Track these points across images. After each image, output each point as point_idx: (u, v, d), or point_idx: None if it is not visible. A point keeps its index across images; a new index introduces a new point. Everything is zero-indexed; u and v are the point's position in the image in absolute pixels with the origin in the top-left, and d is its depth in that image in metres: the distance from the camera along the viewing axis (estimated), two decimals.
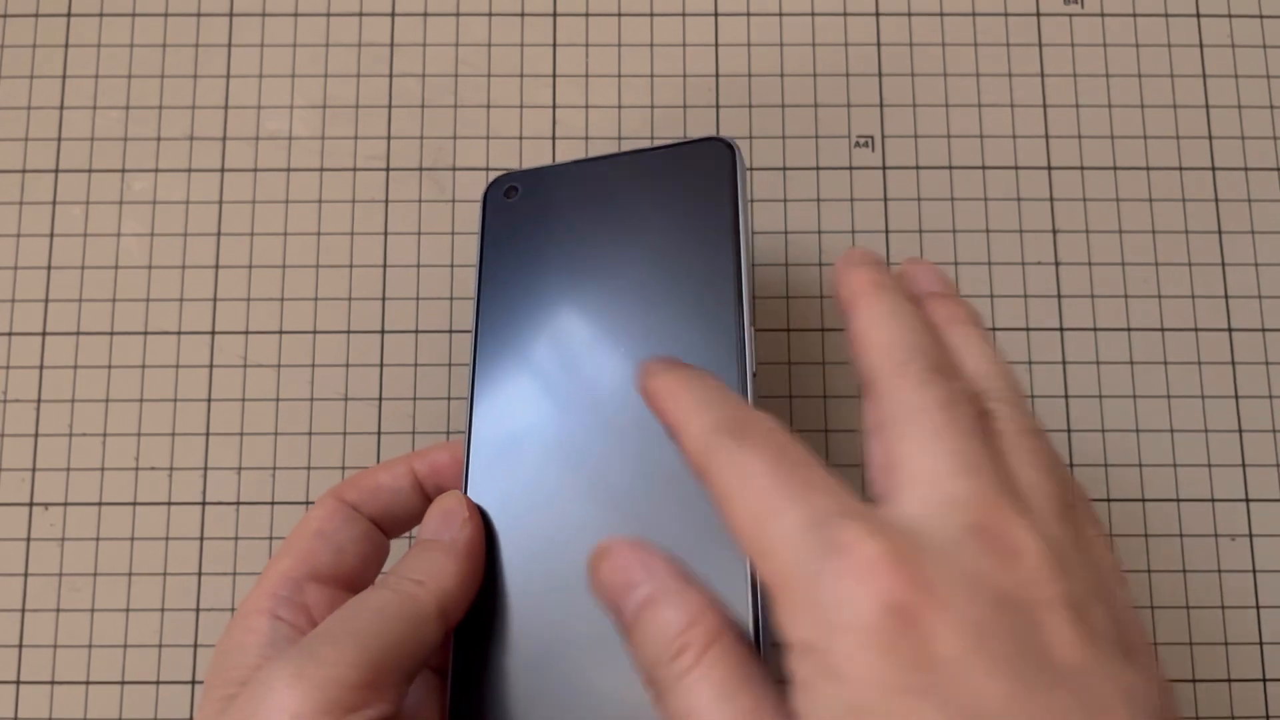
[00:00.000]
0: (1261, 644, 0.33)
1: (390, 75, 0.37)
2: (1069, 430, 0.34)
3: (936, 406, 0.20)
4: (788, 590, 0.18)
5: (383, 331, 0.35)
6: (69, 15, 0.37)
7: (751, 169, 0.36)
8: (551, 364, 0.27)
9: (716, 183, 0.27)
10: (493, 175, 0.36)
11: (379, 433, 0.34)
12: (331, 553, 0.25)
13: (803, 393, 0.35)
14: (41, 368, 0.35)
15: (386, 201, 0.36)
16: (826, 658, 0.17)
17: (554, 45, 0.37)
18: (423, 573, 0.24)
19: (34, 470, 0.34)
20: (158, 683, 0.33)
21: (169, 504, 0.34)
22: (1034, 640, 0.17)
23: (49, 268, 0.35)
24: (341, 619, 0.22)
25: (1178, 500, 0.34)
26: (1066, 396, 0.35)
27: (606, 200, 0.28)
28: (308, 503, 0.34)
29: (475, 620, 0.25)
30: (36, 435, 0.34)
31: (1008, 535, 0.18)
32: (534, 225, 0.28)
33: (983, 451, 0.20)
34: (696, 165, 0.28)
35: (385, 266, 0.35)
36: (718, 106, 0.37)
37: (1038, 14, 0.37)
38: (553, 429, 0.26)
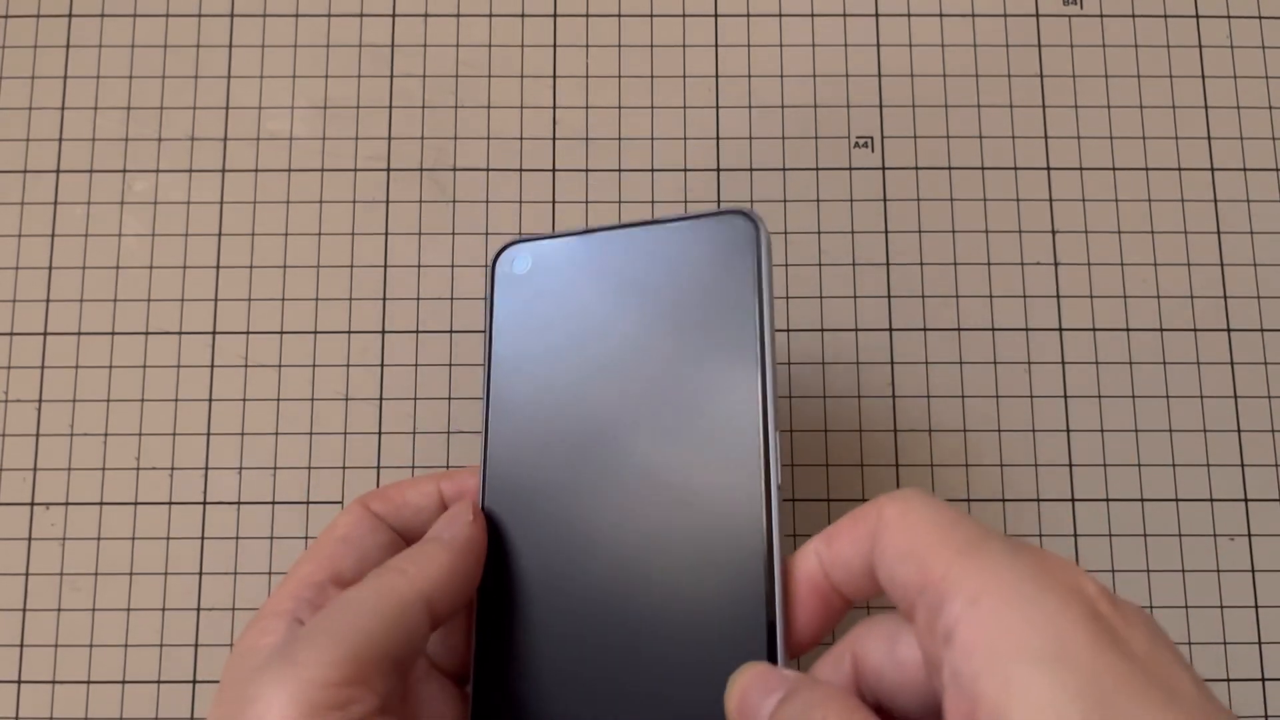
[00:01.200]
0: (1260, 644, 0.33)
1: (391, 76, 0.37)
2: (1068, 430, 0.35)
3: None
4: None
5: (383, 331, 0.35)
6: (70, 16, 0.37)
7: (752, 169, 0.36)
8: (566, 423, 0.26)
9: (739, 262, 0.25)
10: (493, 177, 0.36)
11: (379, 433, 0.34)
12: (355, 559, 0.25)
13: (802, 393, 0.35)
14: (43, 368, 0.35)
15: (387, 202, 0.36)
16: (1029, 609, 0.18)
17: (554, 46, 0.37)
18: (409, 562, 0.24)
19: (35, 470, 0.34)
20: (158, 682, 0.33)
21: (170, 504, 0.34)
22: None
23: (50, 268, 0.35)
24: (320, 619, 0.22)
25: (1176, 500, 0.34)
26: (1065, 397, 0.35)
27: (621, 278, 0.27)
28: (308, 503, 0.34)
29: (497, 630, 0.25)
30: (38, 435, 0.34)
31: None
32: (545, 302, 0.27)
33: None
34: (717, 241, 0.26)
35: (386, 267, 0.36)
36: (717, 107, 0.37)
37: (1037, 15, 0.37)
38: (567, 464, 0.26)
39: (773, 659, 0.23)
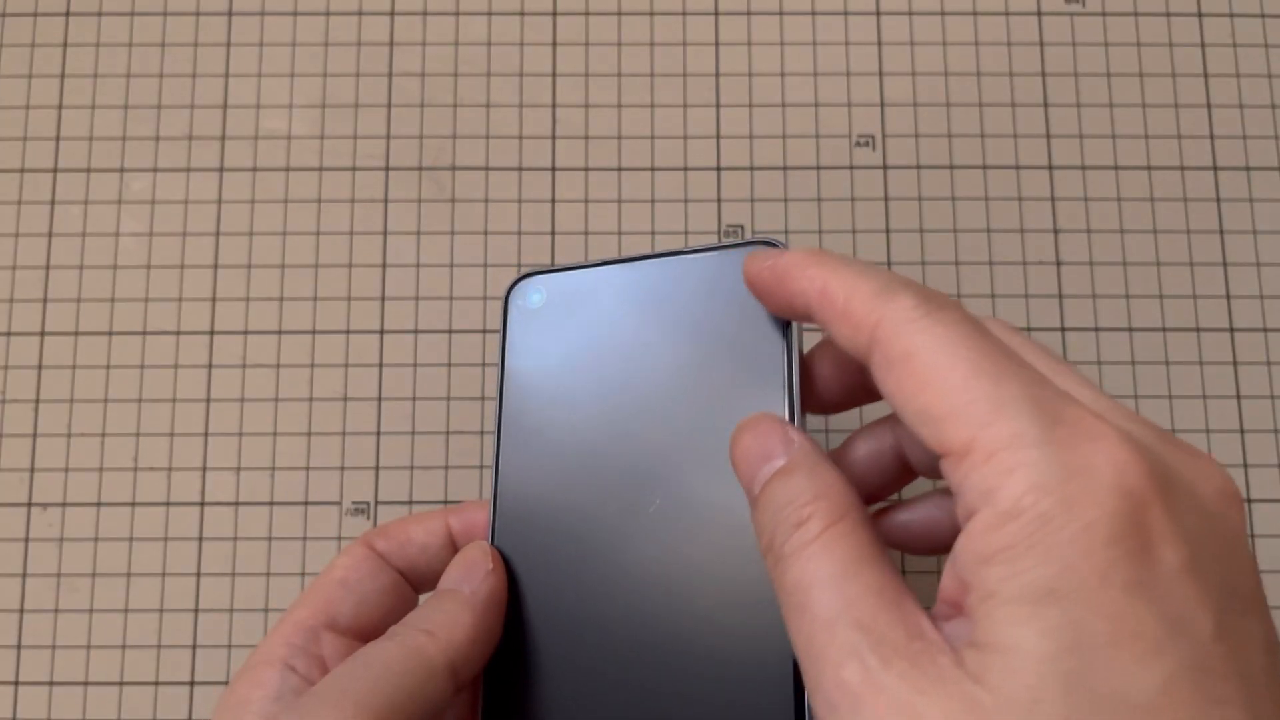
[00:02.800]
0: None
1: (389, 74, 0.37)
2: None
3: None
4: (999, 453, 0.17)
5: (382, 331, 0.35)
6: (67, 14, 0.37)
7: (752, 168, 0.36)
8: (580, 459, 0.25)
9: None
10: (492, 176, 0.36)
11: (378, 433, 0.34)
12: (353, 603, 0.24)
13: None
14: (40, 368, 0.35)
15: (386, 201, 0.36)
16: (1042, 528, 0.16)
17: (554, 44, 0.37)
18: (434, 623, 0.23)
19: (32, 470, 0.34)
20: (156, 684, 0.33)
21: (167, 504, 0.34)
22: (1233, 563, 0.17)
23: (47, 267, 0.35)
24: (341, 675, 0.21)
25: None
26: None
27: (640, 312, 0.26)
28: (306, 503, 0.34)
29: (504, 673, 0.24)
30: (35, 435, 0.34)
31: (1196, 449, 0.18)
32: (561, 336, 0.26)
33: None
34: (739, 273, 0.24)
35: (384, 266, 0.35)
36: (718, 106, 0.36)
37: (1039, 13, 0.37)
38: (582, 503, 0.25)
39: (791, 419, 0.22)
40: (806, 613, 0.18)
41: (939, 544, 0.24)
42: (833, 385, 0.24)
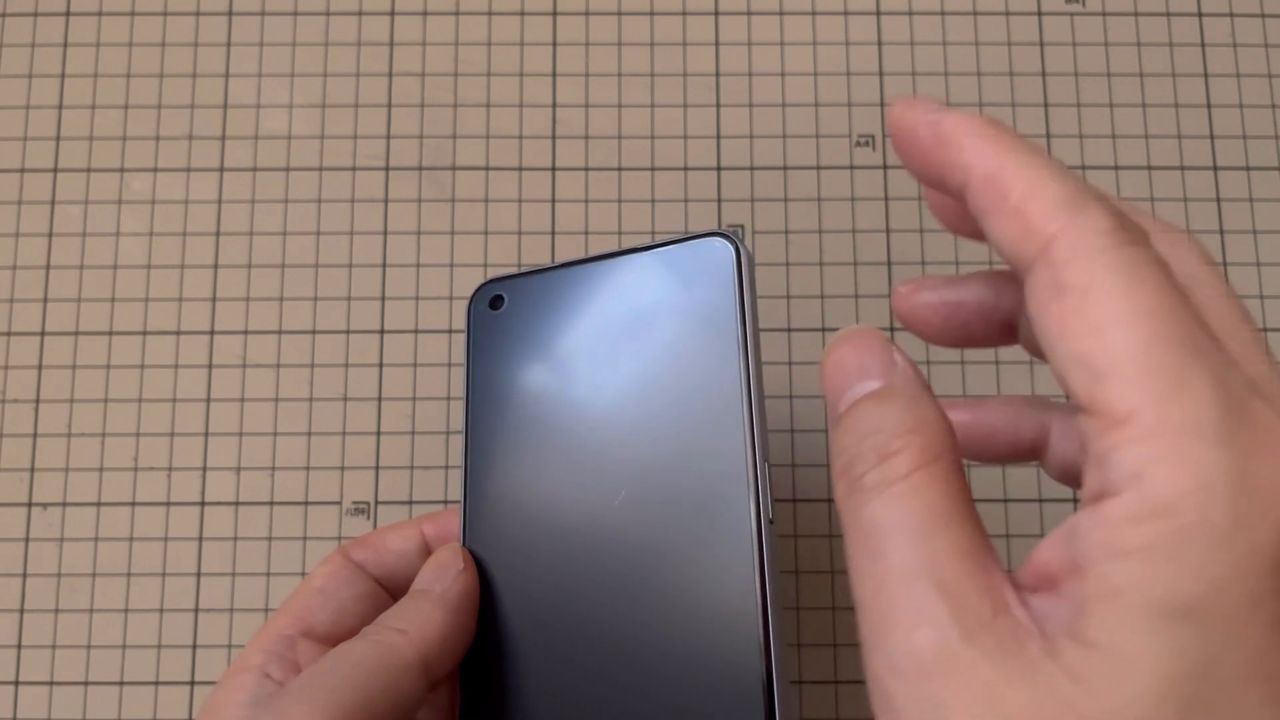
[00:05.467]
0: None
1: (390, 74, 0.37)
2: None
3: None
4: (1165, 435, 0.14)
5: (382, 331, 0.35)
6: (68, 14, 0.37)
7: (752, 168, 0.36)
8: (548, 459, 0.26)
9: (719, 286, 0.24)
10: (492, 176, 0.36)
11: (378, 433, 0.34)
12: (331, 610, 0.25)
13: (803, 393, 0.35)
14: (40, 367, 0.35)
15: (386, 201, 0.36)
16: (1201, 538, 0.14)
17: (554, 44, 0.37)
18: (406, 622, 0.23)
19: (32, 470, 0.34)
20: (156, 683, 0.33)
21: (168, 504, 0.34)
22: None
23: (47, 267, 0.35)
24: (313, 673, 0.22)
25: None
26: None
27: (600, 311, 0.26)
28: (306, 503, 0.34)
29: (480, 669, 0.25)
30: (35, 435, 0.34)
31: None
32: (524, 339, 0.27)
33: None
34: (696, 267, 0.25)
35: (384, 266, 0.35)
36: (718, 106, 0.36)
37: (1039, 13, 0.37)
38: (551, 502, 0.25)
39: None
40: (881, 559, 0.16)
41: (1018, 449, 0.22)
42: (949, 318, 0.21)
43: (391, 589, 0.26)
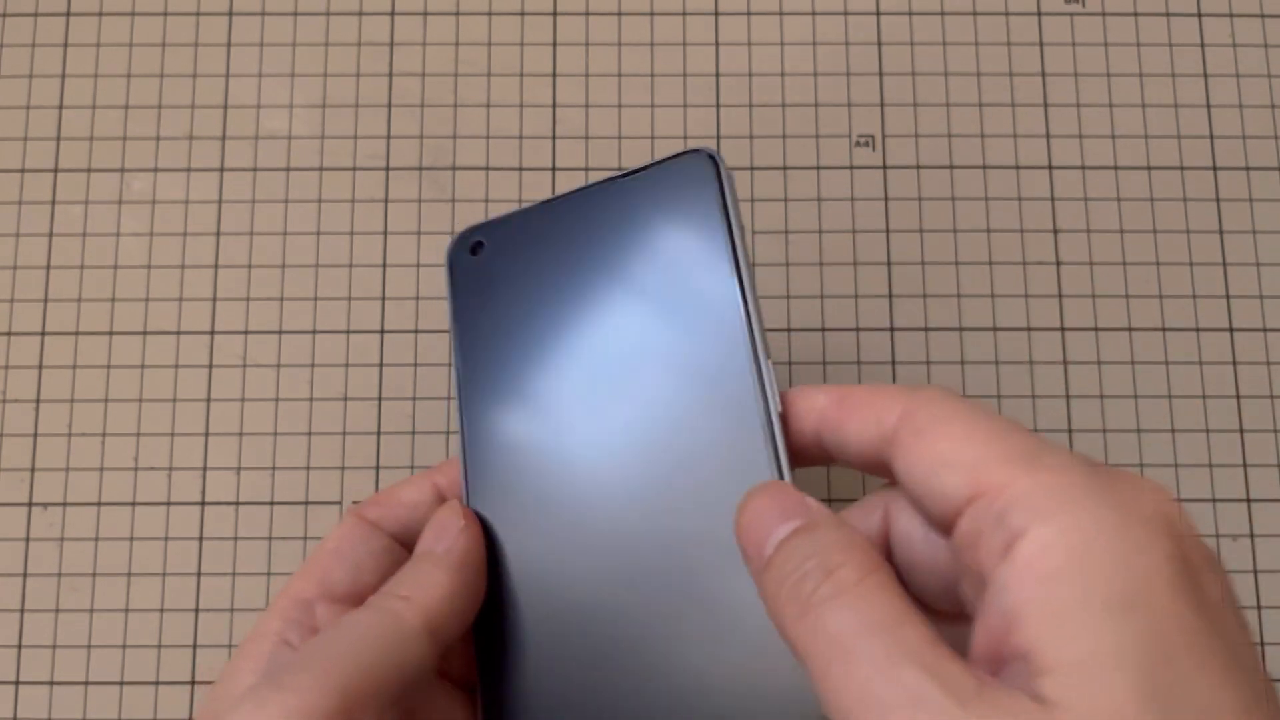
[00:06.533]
0: (1263, 644, 0.33)
1: (390, 74, 0.37)
2: (1070, 430, 0.34)
3: None
4: (1051, 482, 0.17)
5: (382, 331, 0.35)
6: (68, 14, 0.37)
7: (752, 168, 0.36)
8: (547, 400, 0.25)
9: (702, 202, 0.24)
10: (492, 176, 0.36)
11: (378, 433, 0.34)
12: (348, 569, 0.24)
13: None
14: (40, 367, 0.35)
15: (386, 201, 0.36)
16: (1112, 549, 0.16)
17: (554, 44, 0.37)
18: (409, 587, 0.23)
19: (33, 470, 0.34)
20: (156, 683, 0.33)
21: (168, 504, 0.34)
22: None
23: (48, 267, 0.35)
24: (315, 644, 0.21)
25: (1179, 500, 0.34)
26: (1068, 397, 0.35)
27: (583, 241, 0.25)
28: (307, 503, 0.34)
29: (495, 630, 0.24)
30: (35, 435, 0.34)
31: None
32: (507, 282, 0.26)
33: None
34: (676, 186, 0.24)
35: (385, 266, 0.35)
36: (718, 106, 0.36)
37: (1039, 13, 0.37)
38: (554, 445, 0.25)
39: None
40: (856, 659, 0.16)
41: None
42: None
43: (407, 543, 0.25)
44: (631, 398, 0.24)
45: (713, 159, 0.24)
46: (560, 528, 0.24)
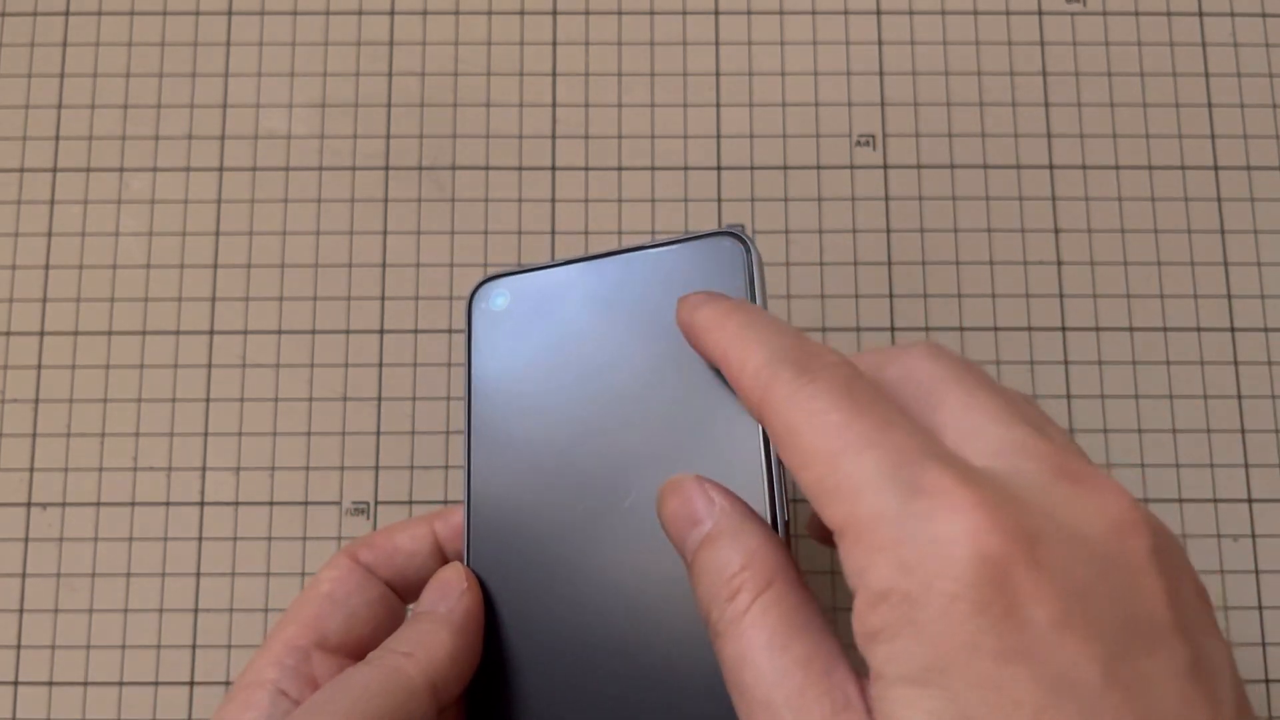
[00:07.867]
0: (1264, 644, 0.33)
1: (389, 74, 0.37)
2: (1071, 430, 0.34)
3: (962, 369, 0.20)
4: (865, 534, 0.17)
5: (382, 331, 0.35)
6: (67, 14, 0.37)
7: (753, 168, 0.36)
8: (557, 467, 0.25)
9: (730, 283, 0.24)
10: (492, 175, 0.36)
11: (378, 433, 0.34)
12: (342, 618, 0.24)
13: None
14: (39, 367, 0.35)
15: (385, 200, 0.36)
16: (910, 609, 0.16)
17: (554, 44, 0.37)
18: (412, 645, 0.22)
19: (32, 470, 0.34)
20: (156, 684, 0.33)
21: (167, 504, 0.34)
22: (1131, 599, 0.16)
23: (47, 267, 0.35)
24: (320, 701, 0.21)
25: (1180, 500, 0.34)
26: (1069, 396, 0.34)
27: (607, 308, 0.25)
28: (306, 503, 0.34)
29: (486, 690, 0.24)
30: (34, 435, 0.34)
31: (1095, 480, 0.18)
32: (527, 337, 0.26)
33: (1016, 406, 0.19)
34: (705, 265, 0.24)
35: (384, 266, 0.35)
36: (718, 105, 0.36)
37: (1039, 12, 0.37)
38: (561, 514, 0.25)
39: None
40: (745, 693, 0.18)
41: None
42: None
43: (402, 591, 0.25)
44: (643, 470, 0.24)
45: (744, 242, 0.24)
46: (560, 600, 0.24)
